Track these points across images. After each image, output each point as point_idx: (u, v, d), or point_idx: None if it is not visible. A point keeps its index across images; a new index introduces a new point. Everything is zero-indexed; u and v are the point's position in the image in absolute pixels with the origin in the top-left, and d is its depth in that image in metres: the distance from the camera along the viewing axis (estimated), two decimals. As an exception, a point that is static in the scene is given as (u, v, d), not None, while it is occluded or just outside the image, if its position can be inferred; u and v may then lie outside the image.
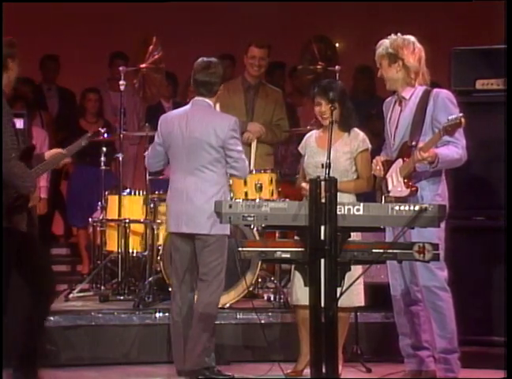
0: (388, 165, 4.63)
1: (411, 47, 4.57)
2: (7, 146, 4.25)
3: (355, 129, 4.97)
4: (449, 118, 4.31)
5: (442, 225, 4.27)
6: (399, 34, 4.61)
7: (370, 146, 4.94)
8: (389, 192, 4.57)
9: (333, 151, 4.70)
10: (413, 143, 4.50)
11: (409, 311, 4.66)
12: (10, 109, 4.40)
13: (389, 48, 4.56)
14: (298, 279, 4.69)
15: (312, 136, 5.04)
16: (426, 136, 4.51)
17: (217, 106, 5.17)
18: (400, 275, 4.65)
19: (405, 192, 4.49)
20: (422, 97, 4.55)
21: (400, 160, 4.55)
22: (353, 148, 4.89)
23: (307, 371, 4.65)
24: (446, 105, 4.51)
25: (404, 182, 4.51)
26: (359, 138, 4.91)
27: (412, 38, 4.61)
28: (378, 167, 4.64)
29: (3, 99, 4.31)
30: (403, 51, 4.55)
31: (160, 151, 4.99)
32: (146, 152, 5.25)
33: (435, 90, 4.58)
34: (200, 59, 4.97)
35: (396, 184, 4.53)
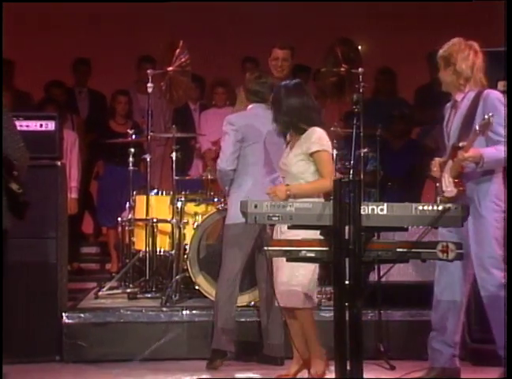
0: (444, 166, 4.62)
1: (465, 53, 4.55)
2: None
3: (314, 129, 4.65)
4: (483, 118, 4.29)
5: (500, 224, 4.27)
6: (460, 38, 4.60)
7: (325, 147, 4.63)
8: (443, 192, 4.55)
9: (287, 155, 4.70)
10: (460, 144, 4.47)
11: (445, 308, 4.60)
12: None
13: (446, 51, 4.59)
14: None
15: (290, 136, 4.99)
16: (479, 137, 4.46)
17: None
18: (448, 271, 4.57)
19: (454, 192, 4.46)
20: (473, 99, 4.54)
21: (450, 161, 4.54)
22: (304, 150, 4.62)
23: (301, 374, 4.68)
24: (494, 105, 4.46)
25: (453, 182, 4.48)
26: (311, 139, 4.62)
27: (471, 43, 4.60)
28: (435, 169, 4.62)
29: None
30: (456, 56, 4.55)
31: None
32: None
33: (486, 91, 4.54)
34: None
35: (447, 184, 4.52)
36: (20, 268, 5.26)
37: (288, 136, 4.82)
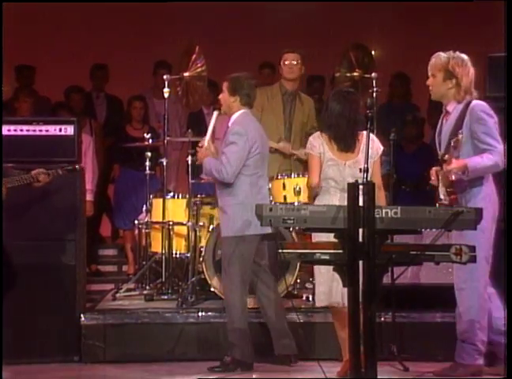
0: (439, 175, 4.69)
1: (467, 68, 4.66)
2: None
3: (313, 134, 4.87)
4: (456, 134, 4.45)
5: (487, 229, 4.32)
6: (457, 52, 4.67)
7: (308, 150, 4.78)
8: (440, 200, 4.61)
9: None
10: (445, 156, 4.56)
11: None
12: None
13: (448, 65, 4.64)
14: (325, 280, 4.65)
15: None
16: (466, 146, 4.56)
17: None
18: None
19: (447, 200, 4.55)
20: (462, 110, 4.65)
21: (443, 171, 4.61)
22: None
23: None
24: (479, 116, 4.58)
25: (446, 191, 4.57)
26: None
27: (466, 57, 4.68)
28: (433, 177, 4.69)
29: None
30: (459, 70, 4.64)
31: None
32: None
33: (472, 102, 4.65)
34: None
35: (442, 193, 4.59)
36: (39, 270, 5.29)
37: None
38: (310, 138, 4.79)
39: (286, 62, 6.21)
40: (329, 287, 4.62)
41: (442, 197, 4.57)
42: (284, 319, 5.15)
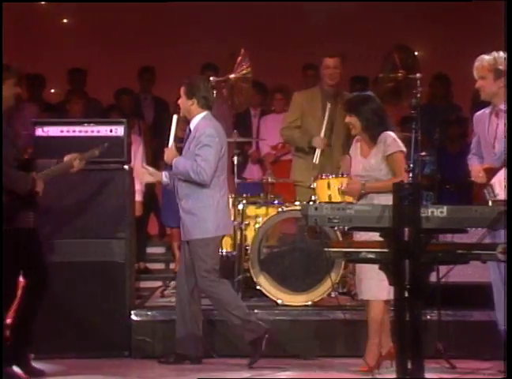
0: (491, 172, 4.67)
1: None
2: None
3: (385, 134, 4.87)
4: None
5: None
6: (501, 52, 4.69)
7: (401, 147, 4.85)
8: (495, 196, 4.58)
9: (368, 161, 4.81)
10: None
11: None
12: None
13: (496, 64, 4.66)
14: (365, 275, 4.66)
15: (357, 143, 5.00)
16: None
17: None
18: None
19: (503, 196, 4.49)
20: None
21: (504, 169, 4.58)
22: (383, 153, 4.84)
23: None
24: None
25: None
26: (386, 142, 4.84)
27: (505, 55, 4.67)
28: (480, 175, 4.66)
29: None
30: (505, 68, 4.64)
31: None
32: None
33: None
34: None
35: (500, 189, 4.55)
36: (91, 268, 5.36)
37: (354, 147, 4.95)
38: (393, 136, 4.82)
39: (327, 69, 6.22)
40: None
41: (500, 192, 4.51)
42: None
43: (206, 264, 5.07)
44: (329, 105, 6.13)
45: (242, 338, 5.08)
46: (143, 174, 5.29)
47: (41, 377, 4.82)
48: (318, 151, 6.08)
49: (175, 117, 5.24)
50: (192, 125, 5.16)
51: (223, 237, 5.36)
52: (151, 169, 5.33)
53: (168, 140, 5.25)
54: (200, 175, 5.02)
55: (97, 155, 5.04)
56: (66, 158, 4.89)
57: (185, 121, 5.30)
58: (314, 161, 6.07)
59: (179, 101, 5.22)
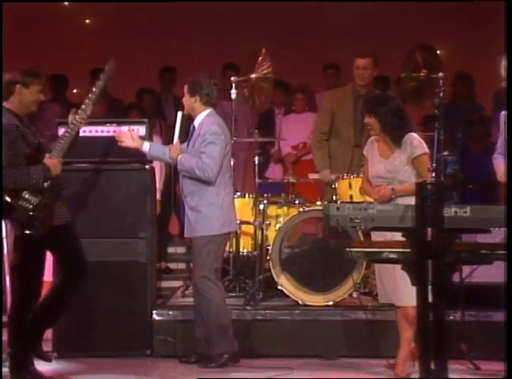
0: None
1: None
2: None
3: (411, 135, 4.82)
4: None
5: None
6: None
7: (426, 150, 4.80)
8: None
9: (391, 162, 4.75)
10: None
11: None
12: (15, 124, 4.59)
13: None
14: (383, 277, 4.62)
15: (374, 143, 4.94)
16: None
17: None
18: None
19: None
20: None
21: None
22: (409, 155, 4.78)
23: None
24: None
25: None
26: (413, 144, 4.79)
27: None
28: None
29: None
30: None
31: None
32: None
33: None
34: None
35: None
36: (113, 267, 5.38)
37: (371, 147, 4.89)
38: (418, 138, 4.79)
39: (357, 69, 6.21)
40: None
41: None
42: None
43: (206, 263, 5.05)
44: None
45: (211, 348, 5.04)
46: (125, 136, 5.16)
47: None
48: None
49: (179, 114, 5.24)
50: (196, 123, 5.17)
51: (227, 237, 5.31)
52: (135, 134, 5.20)
53: (173, 136, 5.23)
54: (205, 172, 5.01)
55: (98, 92, 4.86)
56: (70, 119, 4.77)
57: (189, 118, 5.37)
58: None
59: (183, 99, 5.22)
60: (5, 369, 4.75)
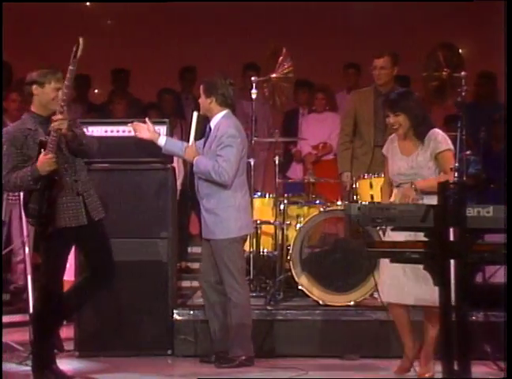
0: None
1: None
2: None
3: (434, 131, 4.76)
4: None
5: None
6: None
7: (450, 145, 4.74)
8: None
9: (414, 158, 4.70)
10: None
11: None
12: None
13: None
14: (387, 276, 4.57)
15: (395, 142, 4.88)
16: None
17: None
18: None
19: None
20: None
21: None
22: (433, 151, 4.73)
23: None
24: None
25: None
26: (437, 140, 4.73)
27: None
28: None
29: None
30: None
31: None
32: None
33: None
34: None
35: None
36: (134, 267, 5.38)
37: (391, 145, 4.85)
38: (442, 133, 4.74)
39: (374, 69, 6.18)
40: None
41: None
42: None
43: (236, 264, 5.04)
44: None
45: (229, 349, 5.04)
46: (141, 127, 5.11)
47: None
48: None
49: (194, 114, 5.19)
50: (212, 124, 5.13)
51: (245, 238, 5.31)
52: (152, 127, 5.14)
53: (189, 137, 5.21)
54: (221, 176, 4.98)
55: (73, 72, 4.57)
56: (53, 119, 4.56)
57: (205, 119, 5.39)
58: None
59: (200, 100, 5.19)
60: (27, 368, 4.78)
